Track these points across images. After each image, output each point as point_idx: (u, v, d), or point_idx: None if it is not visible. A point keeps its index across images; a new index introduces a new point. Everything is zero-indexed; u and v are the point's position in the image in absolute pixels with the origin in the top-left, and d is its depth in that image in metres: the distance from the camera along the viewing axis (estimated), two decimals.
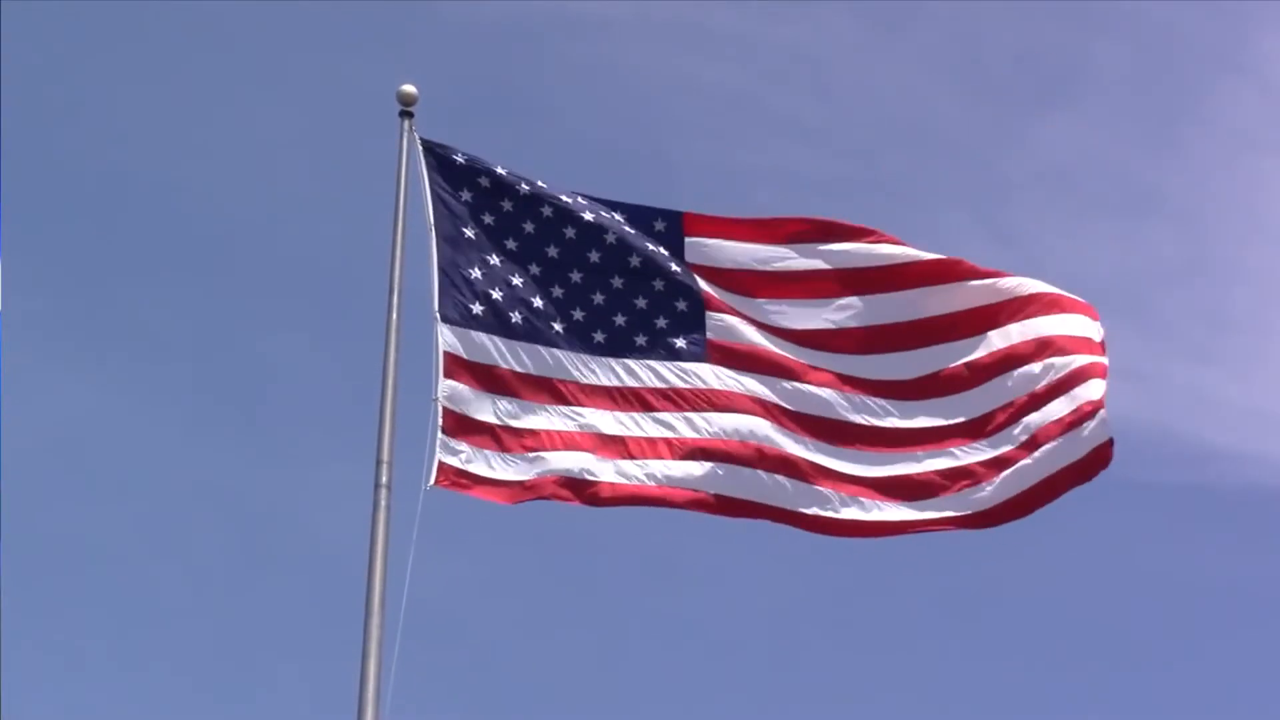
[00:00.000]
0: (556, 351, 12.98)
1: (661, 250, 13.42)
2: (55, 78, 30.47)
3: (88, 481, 28.84)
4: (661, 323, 13.29)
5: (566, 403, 12.83)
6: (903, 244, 13.57)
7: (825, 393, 13.25)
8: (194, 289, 30.62)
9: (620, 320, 13.25)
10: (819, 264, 13.51)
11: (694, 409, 12.99)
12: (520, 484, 12.50)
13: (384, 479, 11.85)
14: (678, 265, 13.40)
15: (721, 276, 13.47)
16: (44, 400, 27.13)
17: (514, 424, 12.63)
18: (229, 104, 31.45)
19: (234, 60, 31.70)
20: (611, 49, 32.65)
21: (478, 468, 12.41)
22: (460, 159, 13.28)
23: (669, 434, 12.87)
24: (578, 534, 27.86)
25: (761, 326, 13.39)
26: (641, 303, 13.30)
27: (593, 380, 12.95)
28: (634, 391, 12.99)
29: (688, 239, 13.51)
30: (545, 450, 12.61)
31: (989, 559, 29.41)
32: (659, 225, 13.51)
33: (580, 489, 12.59)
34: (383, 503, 11.78)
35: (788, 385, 13.21)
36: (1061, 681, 28.97)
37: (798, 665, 28.17)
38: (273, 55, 32.00)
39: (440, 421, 12.36)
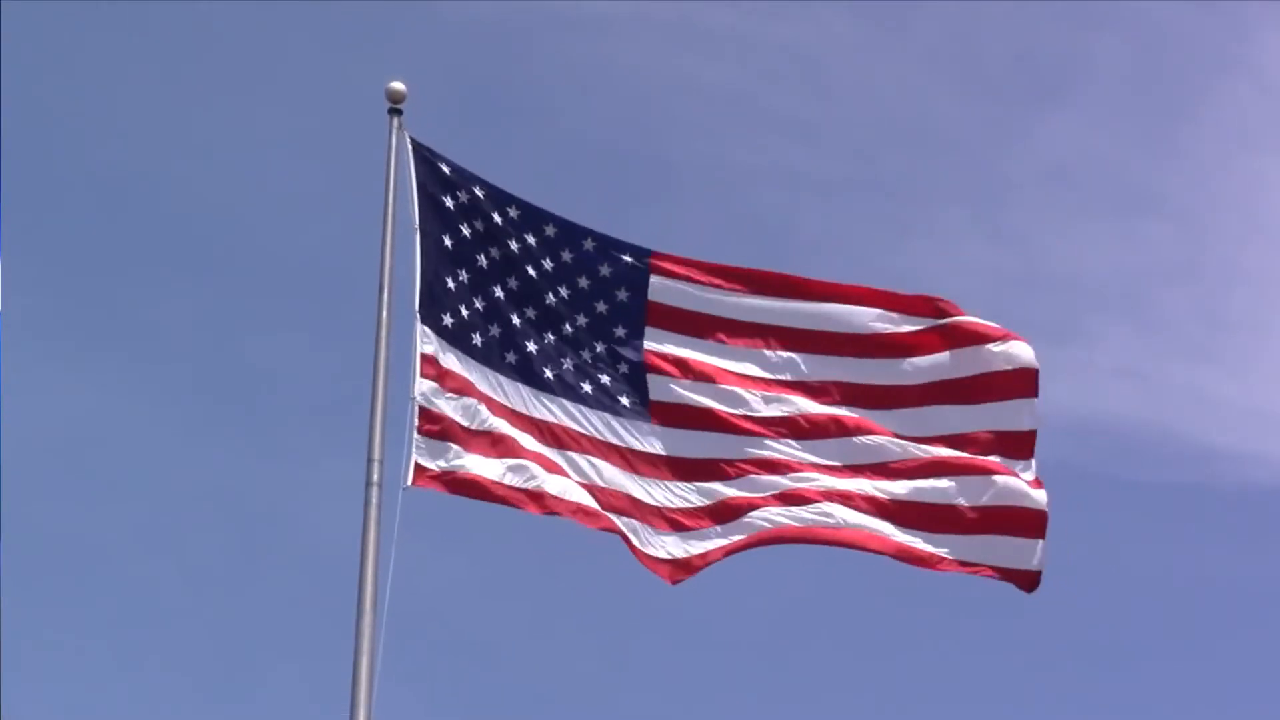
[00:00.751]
0: (504, 380, 12.95)
1: (619, 296, 13.42)
2: (46, 77, 30.45)
3: (81, 480, 28.85)
4: (604, 379, 13.27)
5: (516, 426, 12.82)
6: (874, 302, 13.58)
7: (780, 443, 13.27)
8: (187, 288, 30.64)
9: (567, 364, 13.24)
10: (787, 322, 13.54)
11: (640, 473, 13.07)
12: (503, 485, 12.49)
13: (375, 477, 11.83)
14: (624, 328, 13.39)
15: (681, 319, 13.46)
16: (37, 398, 27.08)
17: (486, 429, 12.60)
18: (223, 103, 31.45)
19: (229, 59, 31.69)
20: (609, 48, 32.63)
21: (448, 464, 12.34)
22: (445, 168, 13.26)
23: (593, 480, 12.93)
24: (570, 531, 27.78)
25: (714, 375, 13.40)
26: (586, 355, 13.30)
27: (535, 414, 12.96)
28: (573, 434, 13.03)
29: (653, 277, 13.49)
30: (519, 459, 12.63)
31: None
32: (626, 258, 13.49)
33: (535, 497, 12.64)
34: (374, 500, 11.76)
35: (735, 440, 13.24)
36: (1060, 681, 28.95)
37: (793, 664, 28.15)
38: (269, 54, 31.99)
39: (416, 422, 12.31)
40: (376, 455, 11.90)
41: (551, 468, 12.72)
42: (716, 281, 13.56)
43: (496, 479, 12.48)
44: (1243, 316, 32.16)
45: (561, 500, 12.65)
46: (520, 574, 27.87)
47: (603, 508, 12.75)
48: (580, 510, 12.69)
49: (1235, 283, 32.42)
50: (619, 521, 12.79)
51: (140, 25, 31.49)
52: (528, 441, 12.74)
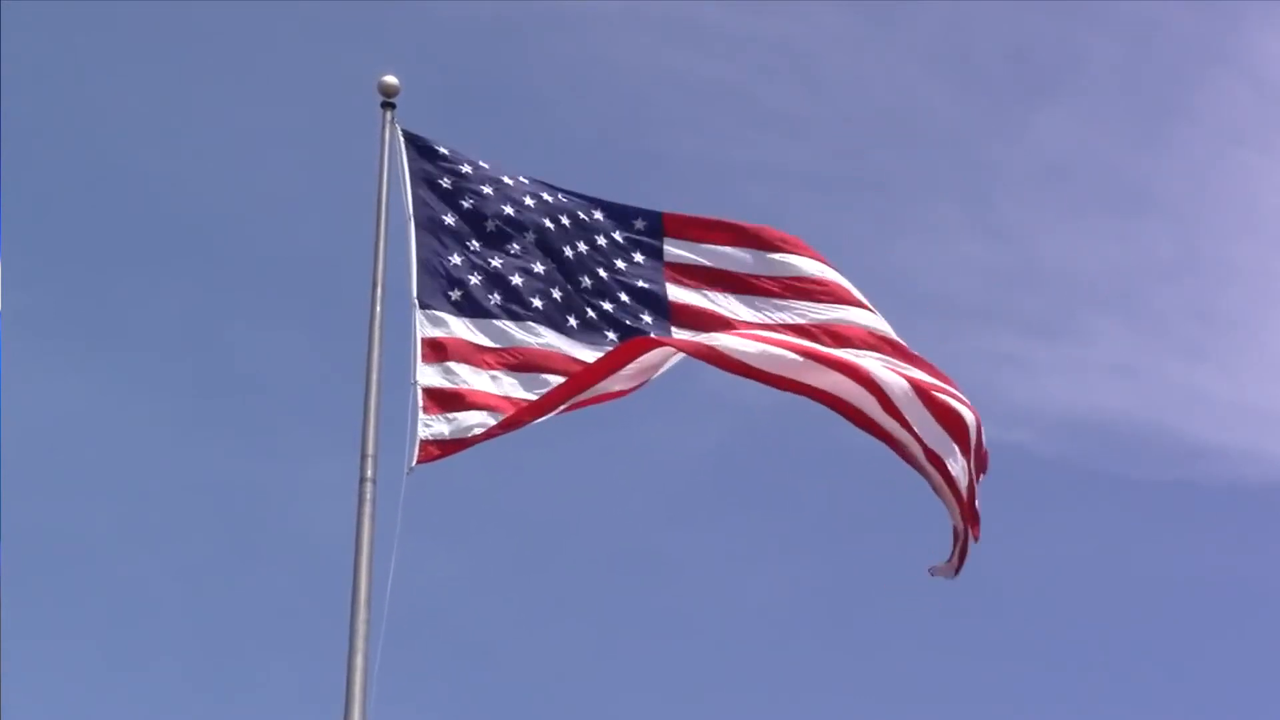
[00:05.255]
0: (533, 324, 13.00)
1: (635, 257, 13.52)
2: (38, 74, 30.41)
3: (74, 477, 28.79)
4: (630, 322, 13.33)
5: (545, 369, 12.79)
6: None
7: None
8: (180, 284, 30.62)
9: (591, 314, 13.30)
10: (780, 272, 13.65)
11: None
12: (493, 425, 12.43)
13: (369, 473, 11.80)
14: (646, 281, 13.49)
15: (696, 274, 13.54)
16: (29, 395, 27.05)
17: (493, 390, 12.59)
18: (216, 99, 31.44)
19: (222, 55, 31.66)
20: (600, 44, 32.65)
21: (455, 430, 12.32)
22: (442, 149, 13.35)
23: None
24: (565, 527, 27.83)
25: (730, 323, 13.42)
26: (608, 305, 13.37)
27: (570, 351, 12.94)
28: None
29: (666, 239, 13.60)
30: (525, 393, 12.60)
31: (980, 555, 29.32)
32: (638, 224, 13.58)
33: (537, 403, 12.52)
34: (368, 496, 11.73)
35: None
36: (1052, 677, 28.97)
37: (788, 661, 28.15)
38: (261, 50, 31.96)
39: (420, 403, 12.31)
40: (370, 450, 11.88)
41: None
42: (725, 238, 13.67)
43: (495, 419, 12.43)
44: (1235, 313, 32.24)
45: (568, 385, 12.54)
46: (512, 568, 27.89)
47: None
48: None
49: (1228, 279, 32.50)
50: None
51: (134, 22, 31.50)
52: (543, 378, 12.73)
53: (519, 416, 12.37)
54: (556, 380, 12.64)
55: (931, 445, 12.78)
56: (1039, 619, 29.16)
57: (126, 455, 29.20)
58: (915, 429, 12.73)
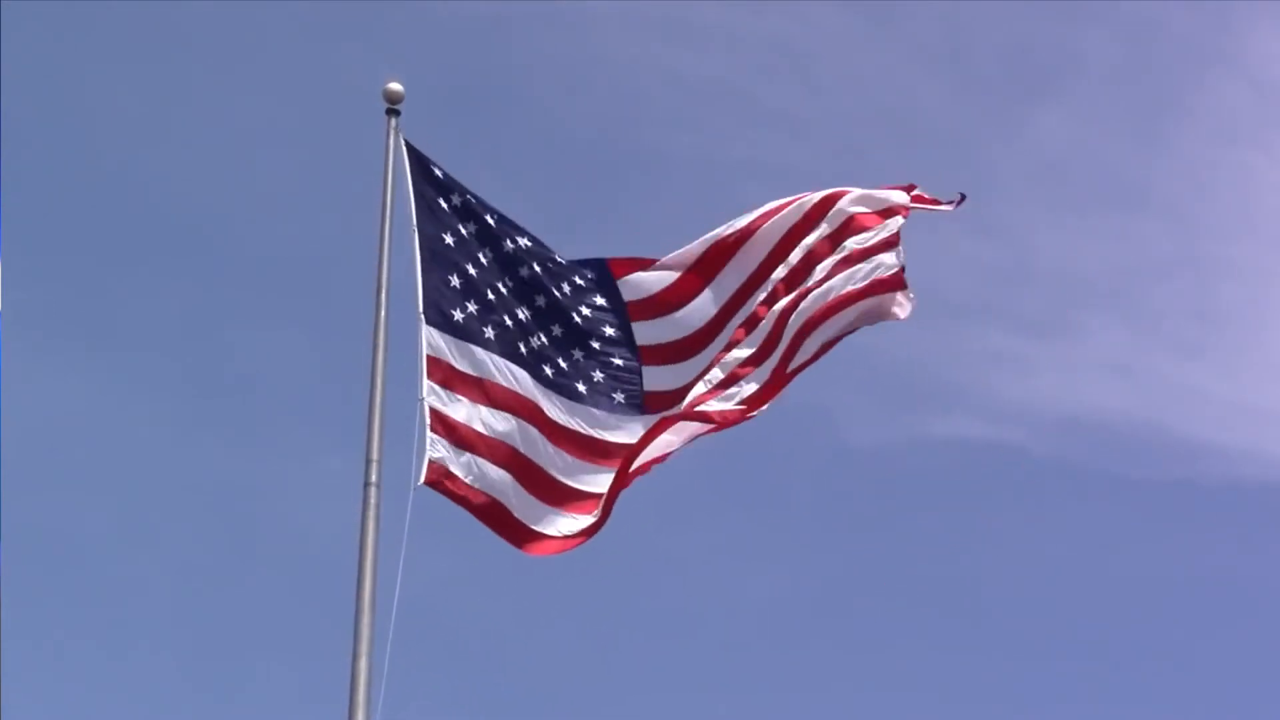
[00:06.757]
0: (516, 368, 13.09)
1: (599, 300, 13.71)
2: (38, 73, 30.42)
3: (73, 476, 28.80)
4: (598, 376, 13.48)
5: (521, 416, 12.96)
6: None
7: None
8: (181, 284, 30.62)
9: (564, 364, 13.42)
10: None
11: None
12: (487, 498, 12.62)
13: (373, 477, 11.87)
14: (615, 323, 13.70)
15: (655, 304, 13.76)
16: (28, 394, 27.06)
17: (485, 431, 12.70)
18: (214, 100, 31.44)
19: (220, 55, 31.67)
20: (598, 43, 32.67)
21: (457, 469, 12.43)
22: (438, 171, 13.37)
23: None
24: None
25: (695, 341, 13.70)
26: (578, 354, 13.51)
27: (543, 405, 13.13)
28: (569, 433, 13.18)
29: (618, 280, 13.82)
30: (503, 467, 12.75)
31: (978, 554, 29.42)
32: (588, 274, 13.78)
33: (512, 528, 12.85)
34: (372, 500, 11.79)
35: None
36: (1050, 677, 29.01)
37: (788, 660, 28.18)
38: (260, 50, 31.98)
39: (428, 420, 12.35)
40: (374, 455, 11.93)
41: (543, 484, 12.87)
42: (666, 262, 13.84)
43: (484, 491, 12.59)
44: (1232, 311, 32.26)
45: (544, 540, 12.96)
46: (515, 571, 27.84)
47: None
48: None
49: (1224, 278, 32.52)
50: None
51: (133, 22, 31.51)
52: (529, 438, 12.89)
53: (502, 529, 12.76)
54: (528, 427, 12.89)
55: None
56: (1038, 619, 29.20)
57: (126, 455, 29.24)
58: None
